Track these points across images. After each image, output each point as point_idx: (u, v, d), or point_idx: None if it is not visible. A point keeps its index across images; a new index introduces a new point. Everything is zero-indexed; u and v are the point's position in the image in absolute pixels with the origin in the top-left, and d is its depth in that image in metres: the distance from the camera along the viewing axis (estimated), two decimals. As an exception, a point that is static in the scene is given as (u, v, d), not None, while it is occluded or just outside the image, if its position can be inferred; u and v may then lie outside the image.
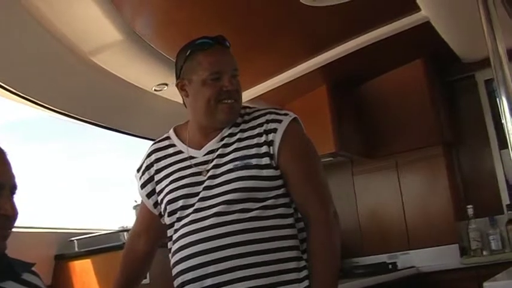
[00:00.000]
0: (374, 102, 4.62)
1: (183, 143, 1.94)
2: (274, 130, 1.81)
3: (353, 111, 4.58)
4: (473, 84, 4.63)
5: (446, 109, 4.66)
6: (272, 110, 1.90)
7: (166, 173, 1.90)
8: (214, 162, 1.83)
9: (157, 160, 1.95)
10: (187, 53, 1.89)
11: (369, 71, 4.48)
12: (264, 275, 1.69)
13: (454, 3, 3.14)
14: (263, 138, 1.81)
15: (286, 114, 1.87)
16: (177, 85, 1.94)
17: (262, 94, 3.87)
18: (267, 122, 1.84)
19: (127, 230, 2.87)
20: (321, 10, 3.05)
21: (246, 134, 1.84)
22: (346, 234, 4.70)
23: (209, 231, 1.73)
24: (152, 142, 2.04)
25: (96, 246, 2.94)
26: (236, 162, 1.79)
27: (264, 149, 1.80)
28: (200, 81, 1.85)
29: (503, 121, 2.07)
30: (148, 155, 1.98)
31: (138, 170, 2.00)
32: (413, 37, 3.73)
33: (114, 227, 3.24)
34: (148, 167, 1.97)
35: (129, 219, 3.18)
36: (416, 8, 3.43)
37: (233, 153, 1.82)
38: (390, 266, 4.23)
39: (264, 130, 1.83)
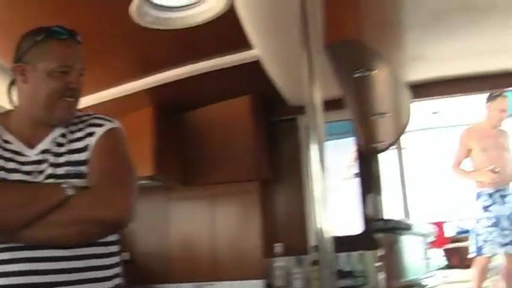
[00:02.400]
0: (198, 131, 4.76)
1: (9, 133, 1.84)
2: (93, 134, 1.83)
3: (176, 137, 4.67)
4: (295, 127, 4.93)
5: (267, 147, 4.91)
6: (99, 115, 1.90)
7: None
8: (50, 162, 1.78)
9: None
10: (39, 38, 1.81)
11: (197, 99, 4.63)
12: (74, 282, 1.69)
13: (284, 47, 3.37)
14: (86, 142, 1.82)
15: (110, 121, 1.89)
16: (14, 68, 1.84)
17: (87, 107, 3.83)
18: (91, 125, 1.86)
19: None
20: (153, 32, 3.14)
21: (75, 136, 1.84)
22: (154, 260, 4.76)
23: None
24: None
25: None
26: (69, 168, 1.77)
27: (85, 155, 1.80)
28: (47, 70, 1.79)
29: (309, 168, 2.26)
30: None
31: None
32: (243, 73, 3.93)
33: None
34: None
35: None
36: (249, 46, 3.62)
37: (67, 156, 1.80)
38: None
39: (87, 133, 1.84)
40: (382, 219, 3.47)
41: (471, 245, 5.11)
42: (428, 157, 8.35)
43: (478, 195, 5.19)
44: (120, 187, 1.73)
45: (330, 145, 5.13)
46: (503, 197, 5.12)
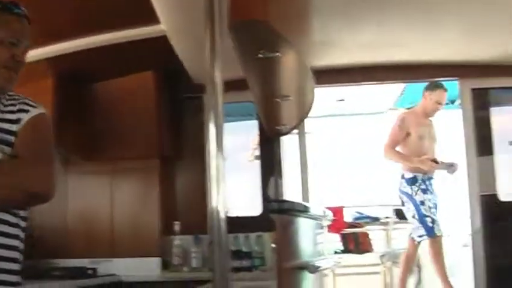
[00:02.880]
0: (101, 105, 4.66)
1: None
2: (27, 111, 1.96)
3: (78, 110, 4.56)
4: (200, 106, 4.90)
5: (171, 125, 4.89)
6: (30, 99, 2.04)
7: None
8: None
9: None
10: None
11: (102, 72, 4.53)
12: None
13: (189, 24, 3.34)
14: (19, 116, 1.94)
15: (40, 106, 2.04)
16: None
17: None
18: (24, 104, 1.99)
19: None
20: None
21: (8, 108, 1.95)
22: (52, 234, 4.66)
23: None
24: None
25: None
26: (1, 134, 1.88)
27: (16, 127, 1.92)
28: None
29: (207, 147, 2.26)
30: None
31: None
32: (148, 48, 3.88)
33: None
34: None
35: None
36: (156, 20, 3.57)
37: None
38: (90, 271, 4.28)
39: (20, 109, 1.96)
40: (277, 200, 3.55)
41: (417, 228, 5.28)
42: (333, 143, 8.55)
43: (414, 180, 5.36)
44: (46, 164, 1.92)
45: (237, 126, 5.23)
46: (431, 185, 5.35)
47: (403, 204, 5.60)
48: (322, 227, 3.91)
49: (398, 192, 5.59)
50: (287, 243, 2.73)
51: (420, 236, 5.31)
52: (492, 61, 4.75)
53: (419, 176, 5.40)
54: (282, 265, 2.65)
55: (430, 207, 5.35)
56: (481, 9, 3.69)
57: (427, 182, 5.42)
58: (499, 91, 5.12)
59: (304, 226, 3.12)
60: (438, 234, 5.27)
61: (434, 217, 5.30)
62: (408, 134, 5.46)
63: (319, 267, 2.97)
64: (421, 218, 5.31)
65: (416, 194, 5.37)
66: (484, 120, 5.04)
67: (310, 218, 3.29)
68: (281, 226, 2.66)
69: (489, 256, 4.77)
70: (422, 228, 5.29)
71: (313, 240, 3.47)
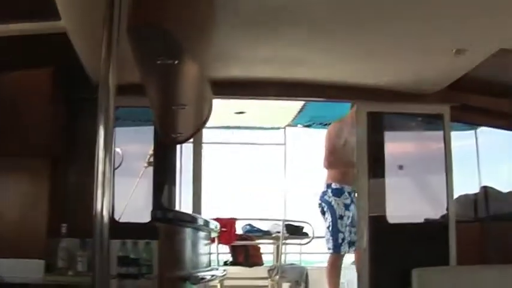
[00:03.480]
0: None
1: None
2: None
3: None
4: (96, 107, 4.80)
5: (65, 125, 4.77)
6: None
7: None
8: None
9: None
10: None
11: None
12: None
13: (91, 24, 3.29)
14: None
15: None
16: None
17: None
18: None
19: None
20: None
21: None
22: None
23: None
24: None
25: None
26: None
27: None
28: None
29: (98, 151, 2.23)
30: None
31: None
32: (47, 44, 3.77)
33: None
34: None
35: None
36: (57, 16, 3.48)
37: None
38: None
39: None
40: (162, 209, 3.54)
41: (328, 240, 5.33)
42: (231, 155, 8.62)
43: (340, 192, 5.42)
44: None
45: (137, 131, 5.16)
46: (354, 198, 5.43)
47: (323, 214, 5.69)
48: (209, 239, 3.92)
49: (320, 200, 5.66)
50: (170, 253, 2.73)
51: (329, 248, 5.43)
52: (387, 87, 4.97)
53: (346, 188, 5.50)
54: (164, 274, 2.65)
55: (346, 225, 5.47)
56: (378, 37, 3.86)
57: (352, 195, 5.52)
58: (392, 116, 5.35)
59: (190, 237, 3.12)
60: (342, 252, 5.39)
61: (346, 235, 5.42)
62: (345, 143, 5.58)
63: (203, 278, 2.98)
64: (334, 233, 5.42)
65: (338, 206, 5.47)
66: (377, 143, 5.24)
67: (197, 228, 3.30)
68: (164, 235, 2.66)
69: (373, 276, 4.95)
70: (331, 242, 5.39)
71: (199, 251, 3.47)
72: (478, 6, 3.32)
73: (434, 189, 5.28)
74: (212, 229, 3.76)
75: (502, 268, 4.69)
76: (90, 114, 4.74)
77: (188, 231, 3.03)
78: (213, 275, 3.40)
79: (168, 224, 2.65)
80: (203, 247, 3.60)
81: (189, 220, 2.99)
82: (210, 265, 3.90)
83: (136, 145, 5.19)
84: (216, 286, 5.25)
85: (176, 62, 2.69)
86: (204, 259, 3.62)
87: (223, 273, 3.70)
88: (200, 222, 3.35)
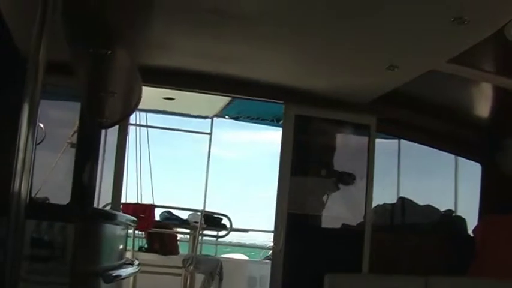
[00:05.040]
0: None
1: None
2: None
3: None
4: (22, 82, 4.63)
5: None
6: None
7: None
8: None
9: None
10: None
11: None
12: None
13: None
14: None
15: None
16: None
17: None
18: None
19: None
20: None
21: None
22: None
23: None
24: None
25: None
26: None
27: None
28: None
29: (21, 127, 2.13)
30: None
31: None
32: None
33: None
34: None
35: None
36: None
37: None
38: None
39: None
40: (80, 204, 3.43)
41: None
42: (157, 140, 8.51)
43: None
44: None
45: (60, 105, 4.97)
46: None
47: None
48: (126, 232, 3.85)
49: None
50: (86, 240, 2.64)
51: None
52: (319, 92, 4.99)
53: None
54: (77, 261, 2.56)
55: None
56: (312, 42, 3.86)
57: None
58: (321, 120, 5.40)
59: (107, 232, 3.04)
60: None
61: None
62: None
63: (118, 276, 2.90)
64: None
65: None
66: (303, 144, 5.27)
67: (116, 224, 3.22)
68: (80, 231, 2.57)
69: (286, 273, 4.99)
70: None
71: (116, 247, 3.39)
72: (411, 29, 3.41)
73: (355, 196, 5.37)
74: (129, 224, 3.68)
75: (411, 279, 4.81)
76: (14, 88, 4.63)
77: (106, 228, 2.95)
78: (127, 272, 3.32)
79: (85, 219, 2.56)
80: (121, 243, 3.52)
81: (107, 216, 2.90)
82: (124, 256, 3.81)
83: (60, 120, 5.01)
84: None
85: (109, 52, 2.59)
86: (119, 253, 3.54)
87: (137, 269, 3.63)
88: (120, 218, 3.26)
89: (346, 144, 5.71)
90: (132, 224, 3.82)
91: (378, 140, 5.32)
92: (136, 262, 3.67)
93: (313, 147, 5.46)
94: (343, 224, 5.36)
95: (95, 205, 4.49)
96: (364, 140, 5.27)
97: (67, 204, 4.55)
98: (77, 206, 2.80)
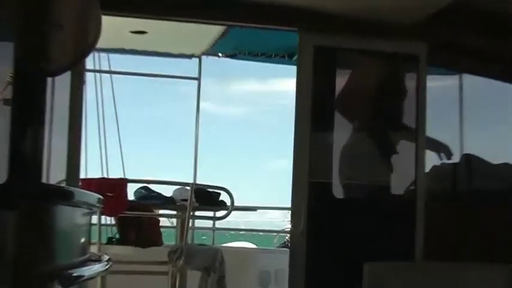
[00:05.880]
0: None
1: None
2: None
3: None
4: None
5: None
6: None
7: None
8: None
9: None
10: None
11: None
12: None
13: None
14: None
15: None
16: None
17: None
18: None
19: None
20: None
21: None
22: None
23: None
24: None
25: None
26: None
27: None
28: None
29: None
30: None
31: None
32: None
33: None
34: None
35: None
36: None
37: None
38: None
39: None
40: (22, 181, 3.40)
41: None
42: (120, 89, 8.49)
43: None
44: None
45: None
46: None
47: None
48: (90, 216, 3.83)
49: None
50: (33, 241, 2.61)
51: None
52: (344, 14, 4.93)
53: None
54: (22, 271, 2.54)
55: None
56: None
57: None
58: (349, 53, 5.36)
59: (64, 218, 3.01)
60: None
61: None
62: None
63: (79, 277, 2.88)
64: None
65: None
66: (326, 87, 5.24)
67: (75, 205, 3.19)
68: (25, 218, 2.54)
69: (311, 269, 5.00)
70: None
71: (76, 237, 3.37)
72: None
73: (400, 155, 5.34)
74: (93, 205, 3.65)
75: (488, 268, 4.78)
76: None
77: (63, 211, 2.91)
78: (93, 271, 3.30)
79: (33, 201, 2.53)
80: (80, 229, 3.50)
81: (63, 195, 2.86)
82: (87, 250, 3.79)
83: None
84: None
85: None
86: (80, 246, 3.52)
87: (107, 266, 3.59)
88: (80, 197, 3.22)
89: (386, 85, 5.65)
90: (98, 205, 3.78)
91: (430, 77, 5.28)
92: (106, 257, 3.63)
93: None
94: (385, 194, 5.40)
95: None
96: (412, 77, 5.23)
97: (4, 183, 4.54)
98: (17, 184, 2.76)
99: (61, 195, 2.80)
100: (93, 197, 3.56)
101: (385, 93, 5.57)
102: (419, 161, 5.23)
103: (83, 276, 2.90)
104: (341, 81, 5.46)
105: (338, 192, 5.32)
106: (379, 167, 5.41)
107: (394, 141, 5.50)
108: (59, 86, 5.01)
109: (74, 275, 2.73)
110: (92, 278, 3.48)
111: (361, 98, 5.54)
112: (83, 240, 3.46)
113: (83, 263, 3.23)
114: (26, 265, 2.54)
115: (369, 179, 5.42)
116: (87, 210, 3.49)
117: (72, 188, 3.89)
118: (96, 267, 3.42)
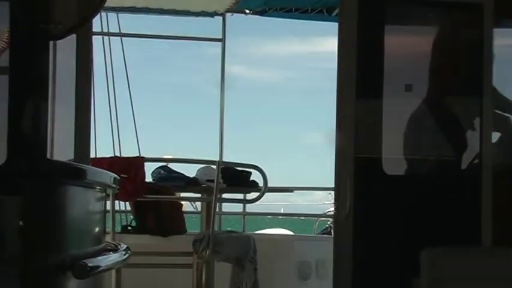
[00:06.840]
0: None
1: None
2: None
3: None
4: None
5: None
6: None
7: None
8: None
9: None
10: None
11: None
12: None
13: None
14: None
15: None
16: None
17: None
18: None
19: None
20: None
21: None
22: None
23: None
24: None
25: None
26: None
27: None
28: None
29: None
30: None
31: None
32: None
33: None
34: None
35: None
36: None
37: None
38: None
39: None
40: (26, 159, 3.40)
41: None
42: (133, 53, 8.50)
43: None
44: None
45: None
46: None
47: None
48: (105, 200, 3.84)
49: None
50: (41, 228, 2.63)
51: None
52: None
53: None
54: (31, 260, 2.56)
55: None
56: None
57: None
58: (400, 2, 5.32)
59: (76, 200, 3.02)
60: None
61: None
62: None
63: (96, 267, 2.89)
64: None
65: None
66: (373, 46, 5.20)
67: (87, 186, 3.20)
68: (31, 201, 2.55)
69: (359, 257, 4.99)
70: None
71: (91, 223, 3.38)
72: None
73: (462, 124, 5.30)
74: (108, 185, 3.66)
75: None
76: None
77: (73, 191, 2.93)
78: (110, 261, 3.31)
79: (39, 180, 2.55)
80: (95, 214, 3.51)
81: (74, 174, 2.88)
82: (103, 239, 3.82)
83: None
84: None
85: None
86: (96, 234, 3.53)
87: (126, 256, 3.59)
88: (93, 176, 3.23)
89: (445, 40, 5.59)
90: (114, 186, 3.79)
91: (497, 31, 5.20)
92: (123, 246, 3.61)
93: (391, 50, 5.37)
94: (444, 169, 5.34)
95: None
96: (475, 31, 5.17)
97: (4, 163, 4.57)
98: (21, 162, 2.77)
99: (71, 174, 2.80)
100: (108, 175, 3.54)
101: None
102: (485, 130, 5.17)
103: (99, 266, 2.90)
104: (392, 39, 5.40)
105: (389, 168, 5.28)
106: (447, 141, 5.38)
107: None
108: (61, 51, 5.04)
109: (90, 265, 2.73)
110: (109, 269, 3.49)
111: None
112: (97, 226, 3.46)
113: (99, 253, 3.24)
114: (33, 256, 2.55)
115: (432, 154, 5.37)
116: (101, 193, 3.49)
117: (83, 165, 3.89)
118: (114, 257, 3.41)
